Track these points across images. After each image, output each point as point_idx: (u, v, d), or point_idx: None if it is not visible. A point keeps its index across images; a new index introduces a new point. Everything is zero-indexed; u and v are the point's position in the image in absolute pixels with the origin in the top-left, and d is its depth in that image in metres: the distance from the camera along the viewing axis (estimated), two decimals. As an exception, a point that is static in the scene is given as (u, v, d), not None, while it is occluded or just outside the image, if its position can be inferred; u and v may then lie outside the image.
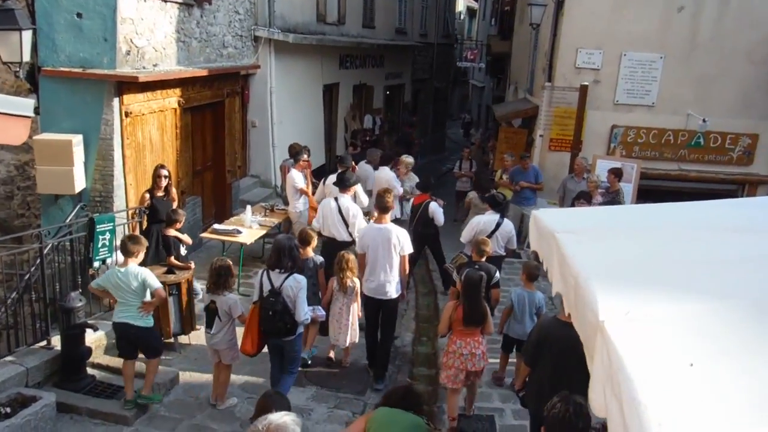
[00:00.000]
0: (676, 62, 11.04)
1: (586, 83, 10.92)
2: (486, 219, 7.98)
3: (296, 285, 5.61)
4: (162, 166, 7.94)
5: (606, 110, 11.41)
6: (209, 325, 5.92)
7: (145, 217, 7.77)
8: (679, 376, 1.75)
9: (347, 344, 7.00)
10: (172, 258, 7.20)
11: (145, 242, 6.06)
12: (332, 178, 9.39)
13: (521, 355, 5.55)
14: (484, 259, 6.66)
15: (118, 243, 7.14)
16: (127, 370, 5.90)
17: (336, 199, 7.87)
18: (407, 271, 7.06)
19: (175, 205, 7.96)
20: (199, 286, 8.12)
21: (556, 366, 4.77)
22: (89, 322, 6.36)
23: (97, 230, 6.77)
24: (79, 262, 7.11)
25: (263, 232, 9.35)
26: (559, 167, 11.35)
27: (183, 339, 7.27)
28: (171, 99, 9.16)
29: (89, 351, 6.27)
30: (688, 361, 1.79)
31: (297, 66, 13.52)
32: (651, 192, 10.89)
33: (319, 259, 6.95)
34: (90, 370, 6.35)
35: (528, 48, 15.06)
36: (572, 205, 9.00)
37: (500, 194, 8.46)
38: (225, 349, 5.97)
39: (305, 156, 9.66)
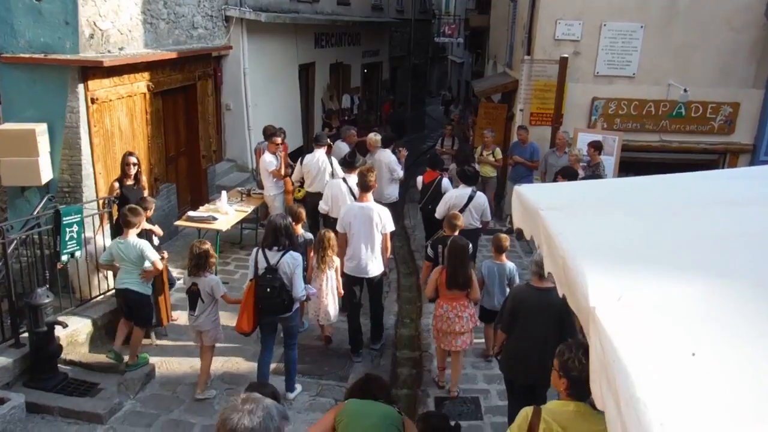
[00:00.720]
0: (657, 31, 10.83)
1: (565, 55, 10.72)
2: (458, 193, 8.04)
3: (293, 262, 5.63)
4: (130, 154, 7.66)
5: (586, 82, 11.22)
6: (192, 308, 5.91)
7: (115, 207, 7.49)
8: (680, 368, 1.57)
9: (327, 322, 6.95)
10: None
11: (143, 212, 6.38)
12: (309, 157, 9.22)
13: (495, 325, 5.66)
14: (457, 233, 6.60)
15: (87, 235, 6.93)
16: (123, 326, 6.32)
17: (344, 180, 7.96)
18: (389, 250, 7.08)
19: (146, 193, 7.71)
20: (175, 274, 7.91)
21: (531, 331, 4.88)
22: (59, 318, 6.11)
23: (64, 222, 6.48)
24: (48, 256, 6.84)
25: (240, 217, 9.11)
26: (540, 142, 11.15)
27: (159, 329, 7.06)
28: (139, 83, 8.84)
29: (60, 348, 6.03)
30: (690, 351, 1.61)
31: (271, 46, 13.19)
32: (633, 164, 10.78)
33: (309, 236, 7.05)
34: (62, 367, 6.12)
35: (506, 21, 14.83)
36: (554, 180, 8.87)
37: (470, 168, 8.37)
38: (209, 330, 5.94)
39: (278, 139, 9.36)
